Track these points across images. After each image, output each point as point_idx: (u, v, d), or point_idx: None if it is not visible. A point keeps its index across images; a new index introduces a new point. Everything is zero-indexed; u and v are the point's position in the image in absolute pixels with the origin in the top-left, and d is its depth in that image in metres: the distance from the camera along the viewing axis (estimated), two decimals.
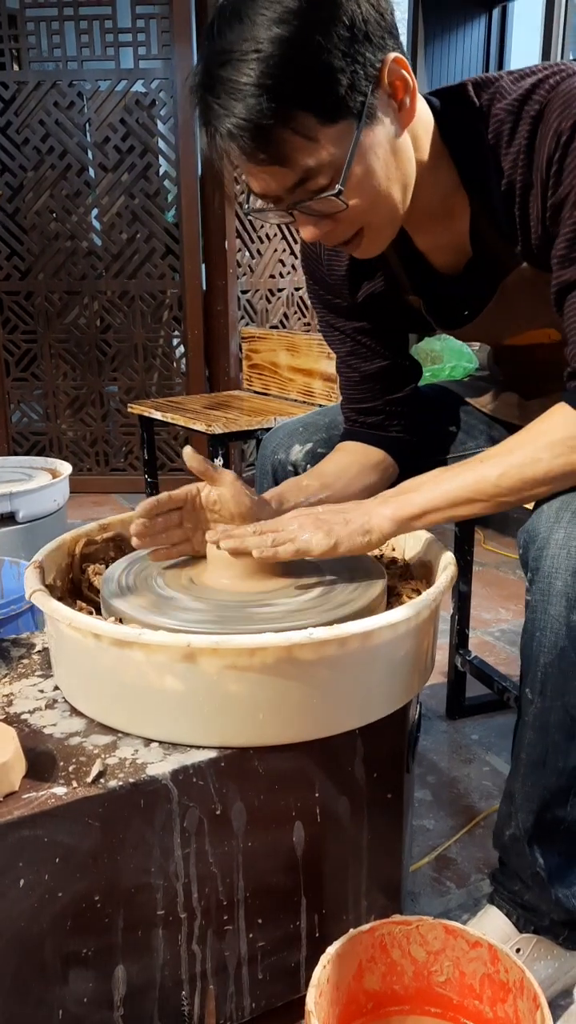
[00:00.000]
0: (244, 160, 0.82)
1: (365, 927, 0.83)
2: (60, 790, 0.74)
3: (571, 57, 2.68)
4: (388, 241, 0.93)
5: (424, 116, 0.88)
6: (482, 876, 1.15)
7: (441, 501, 0.88)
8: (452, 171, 0.92)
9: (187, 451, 0.91)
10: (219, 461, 1.91)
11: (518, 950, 0.92)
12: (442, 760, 1.41)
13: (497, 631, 1.92)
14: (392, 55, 0.81)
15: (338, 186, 0.82)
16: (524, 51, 3.65)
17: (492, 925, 0.94)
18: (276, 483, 1.23)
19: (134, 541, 0.94)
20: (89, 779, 0.75)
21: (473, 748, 1.45)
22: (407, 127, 0.86)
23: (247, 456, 3.32)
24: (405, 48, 3.20)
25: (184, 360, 3.25)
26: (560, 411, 0.85)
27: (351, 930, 0.83)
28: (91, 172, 3.09)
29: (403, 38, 2.91)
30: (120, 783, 0.75)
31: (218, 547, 0.90)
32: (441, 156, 0.91)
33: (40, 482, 1.88)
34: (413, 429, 1.18)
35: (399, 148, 0.86)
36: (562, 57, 2.68)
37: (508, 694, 1.36)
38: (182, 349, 3.26)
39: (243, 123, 0.78)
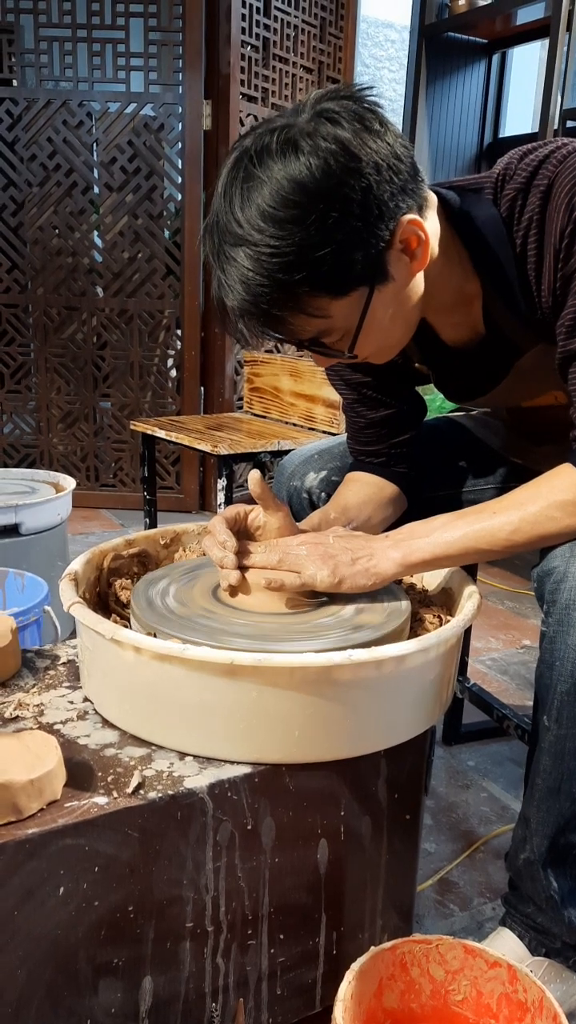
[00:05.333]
0: (254, 332, 0.85)
1: (387, 945, 0.85)
2: (101, 800, 0.75)
3: (570, 104, 2.78)
4: (394, 356, 0.97)
5: (432, 226, 0.89)
6: (484, 900, 1.17)
7: (452, 549, 0.91)
8: (464, 259, 0.94)
9: (254, 475, 0.92)
10: (223, 482, 1.94)
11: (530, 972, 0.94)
12: (440, 785, 1.44)
13: (488, 660, 1.96)
14: (407, 218, 0.83)
15: (347, 352, 0.87)
16: (522, 96, 3.77)
17: (505, 947, 0.96)
18: (291, 509, 1.26)
19: (231, 559, 0.93)
20: (129, 790, 0.77)
21: (470, 774, 1.48)
22: (417, 272, 0.88)
23: (238, 478, 3.35)
24: (405, 89, 3.26)
25: (179, 380, 3.28)
26: (567, 472, 0.88)
27: (373, 947, 0.85)
28: (96, 191, 3.13)
29: (403, 80, 2.96)
30: (159, 795, 0.77)
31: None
32: (452, 249, 0.93)
33: (44, 495, 1.89)
34: (422, 464, 1.21)
35: (408, 294, 0.89)
36: (561, 104, 2.77)
37: (507, 722, 1.39)
38: (177, 369, 3.29)
39: (252, 309, 0.81)
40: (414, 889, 1.00)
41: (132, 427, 2.29)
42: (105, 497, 3.33)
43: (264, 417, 2.45)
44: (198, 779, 0.79)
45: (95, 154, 3.09)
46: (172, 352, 3.28)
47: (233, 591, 0.94)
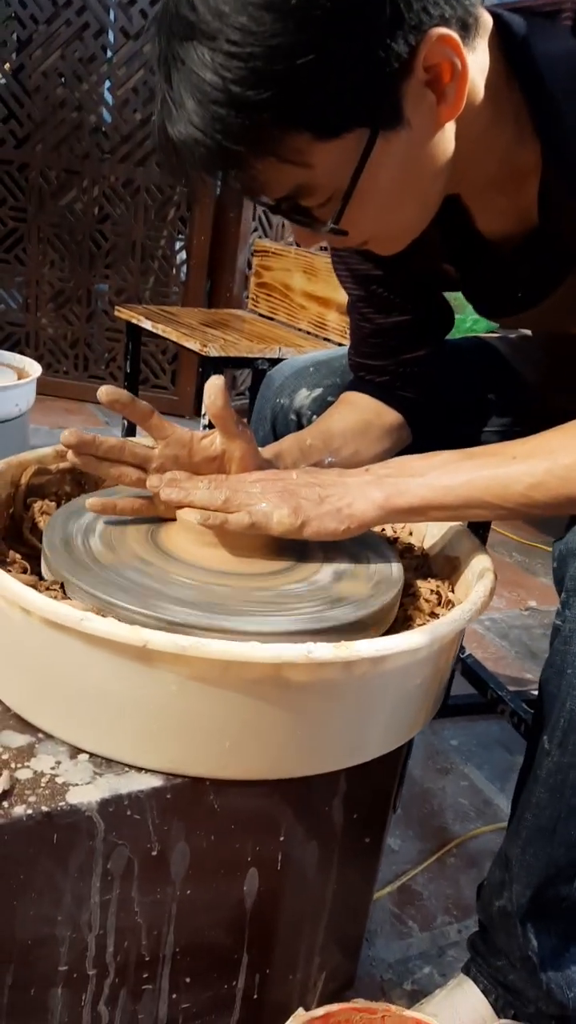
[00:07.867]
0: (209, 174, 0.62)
1: (318, 1012, 0.67)
2: None
3: None
4: (405, 244, 0.72)
5: (479, 60, 0.63)
6: (450, 919, 0.99)
7: (450, 497, 0.68)
8: (522, 115, 0.67)
9: (213, 384, 0.68)
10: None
11: None
12: (416, 767, 1.25)
13: (488, 620, 1.76)
14: (438, 31, 0.57)
15: (330, 223, 0.63)
16: None
17: (467, 1005, 0.78)
18: (274, 432, 1.03)
19: (66, 435, 0.70)
20: None
21: (451, 756, 1.29)
22: (447, 121, 0.62)
23: (238, 384, 3.09)
24: None
25: (185, 267, 2.97)
26: None
27: (300, 1011, 0.67)
28: (111, 36, 2.75)
29: None
30: (30, 811, 0.56)
31: (160, 496, 0.71)
32: (507, 99, 0.66)
33: (4, 381, 1.64)
34: (438, 392, 0.97)
35: (430, 152, 0.63)
36: None
37: (503, 705, 1.20)
38: (184, 255, 2.97)
39: (202, 139, 0.57)
40: (365, 921, 0.82)
41: (117, 313, 2.02)
42: (92, 389, 3.06)
43: (270, 318, 2.18)
44: (87, 791, 0.59)
45: None
46: (181, 236, 2.96)
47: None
